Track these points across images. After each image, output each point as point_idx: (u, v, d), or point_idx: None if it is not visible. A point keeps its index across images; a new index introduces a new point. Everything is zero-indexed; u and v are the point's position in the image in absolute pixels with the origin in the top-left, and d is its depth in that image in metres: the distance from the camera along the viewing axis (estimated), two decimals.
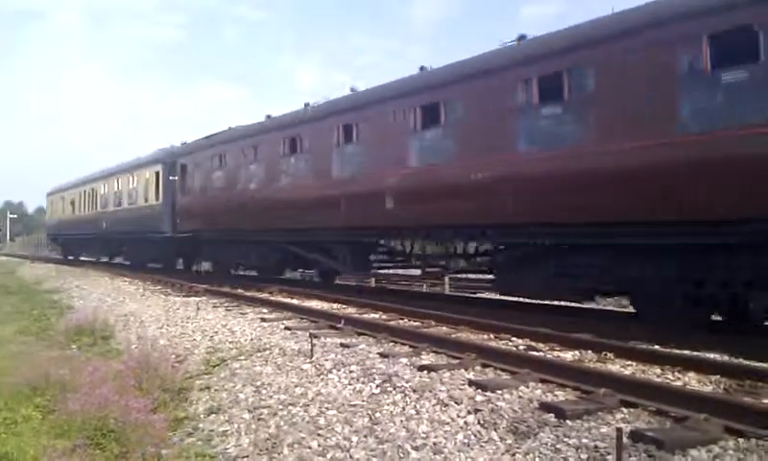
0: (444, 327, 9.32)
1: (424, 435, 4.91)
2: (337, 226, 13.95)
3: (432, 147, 11.98)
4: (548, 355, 7.25)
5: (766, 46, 7.26)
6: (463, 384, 6.00)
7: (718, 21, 7.67)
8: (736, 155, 7.44)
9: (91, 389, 6.20)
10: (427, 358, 7.28)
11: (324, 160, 14.52)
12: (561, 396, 5.59)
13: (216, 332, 9.90)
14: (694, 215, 7.83)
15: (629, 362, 6.80)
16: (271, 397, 6.36)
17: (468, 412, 5.22)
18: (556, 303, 12.42)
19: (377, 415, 5.44)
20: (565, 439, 4.51)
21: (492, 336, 8.55)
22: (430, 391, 5.78)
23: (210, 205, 19.60)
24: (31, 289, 21.24)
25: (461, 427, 4.97)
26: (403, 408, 5.51)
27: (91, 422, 5.58)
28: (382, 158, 12.75)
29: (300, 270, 19.67)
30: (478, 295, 15.31)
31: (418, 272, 14.95)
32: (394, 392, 5.93)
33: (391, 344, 8.18)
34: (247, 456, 5.17)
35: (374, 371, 6.65)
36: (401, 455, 4.66)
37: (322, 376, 6.74)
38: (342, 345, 8.14)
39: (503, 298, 14.47)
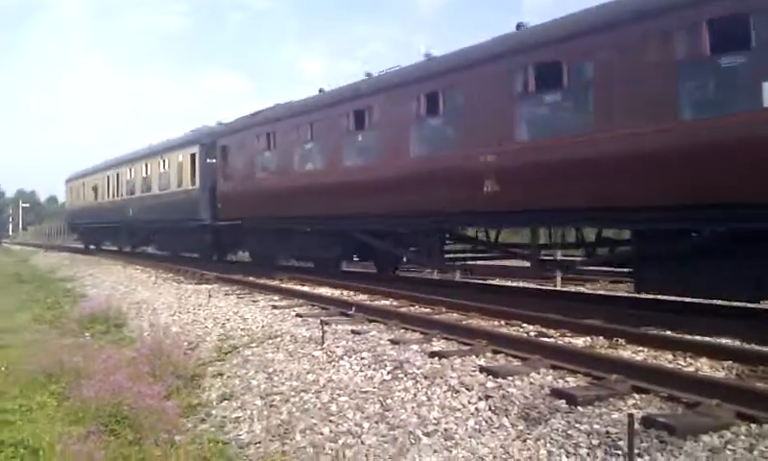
0: (455, 314, 9.32)
1: (435, 421, 4.93)
2: (417, 210, 12.00)
3: (551, 115, 10.04)
4: (559, 342, 7.25)
5: None
6: (474, 371, 6.00)
7: None
8: None
9: (105, 376, 6.28)
10: (438, 345, 7.29)
11: (401, 136, 12.46)
12: (572, 382, 5.58)
13: (228, 320, 9.97)
14: None
15: (640, 348, 6.77)
16: (283, 383, 6.40)
17: (479, 398, 5.23)
18: (565, 288, 12.42)
19: (388, 401, 5.46)
20: (577, 425, 4.51)
21: (502, 322, 8.54)
22: (441, 377, 5.80)
23: (258, 189, 17.51)
24: (44, 278, 21.45)
25: (472, 414, 4.98)
26: (414, 395, 5.53)
27: (105, 408, 5.65)
28: (478, 132, 10.72)
29: (356, 259, 17.35)
30: (488, 281, 15.28)
31: (503, 262, 13.34)
32: (405, 378, 5.94)
33: (402, 330, 8.19)
34: (259, 442, 5.22)
35: (385, 357, 6.67)
36: (413, 441, 4.68)
37: (333, 363, 6.78)
38: (353, 332, 8.17)
39: (513, 284, 14.49)
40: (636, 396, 5.10)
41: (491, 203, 10.41)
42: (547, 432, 4.48)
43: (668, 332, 7.36)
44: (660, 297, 9.76)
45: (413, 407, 5.26)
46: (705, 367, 6.01)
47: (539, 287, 13.77)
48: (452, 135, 11.69)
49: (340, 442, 4.89)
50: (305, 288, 13.16)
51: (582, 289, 13.53)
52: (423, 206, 11.80)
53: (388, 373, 6.18)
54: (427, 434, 4.74)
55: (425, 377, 5.86)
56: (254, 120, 18.34)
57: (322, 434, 5.07)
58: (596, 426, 4.46)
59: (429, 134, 12.38)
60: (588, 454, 4.13)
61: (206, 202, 20.40)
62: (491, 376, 5.75)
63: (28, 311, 13.07)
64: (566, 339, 7.44)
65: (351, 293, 12.20)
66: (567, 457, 4.15)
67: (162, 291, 14.36)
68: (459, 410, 5.07)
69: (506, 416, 4.85)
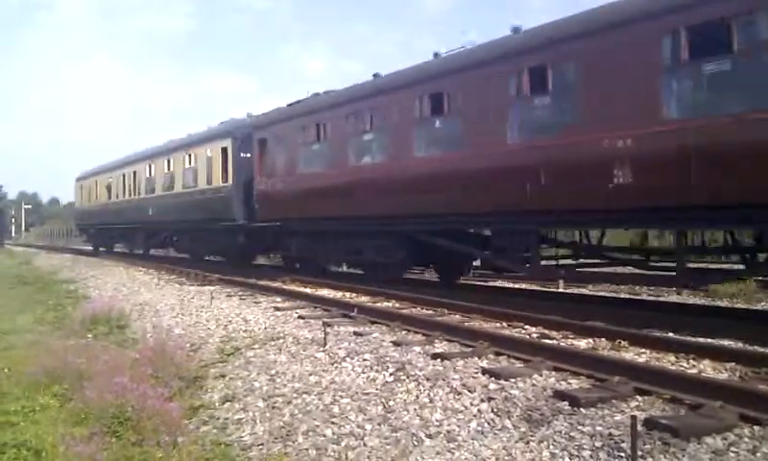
0: (457, 316, 9.33)
1: (438, 423, 4.93)
2: (515, 210, 10.25)
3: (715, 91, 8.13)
4: (562, 343, 7.24)
5: None
6: (476, 372, 6.00)
7: None
8: None
9: (108, 378, 6.29)
10: (440, 346, 7.29)
11: (493, 122, 10.58)
12: (574, 384, 5.58)
13: (230, 321, 9.97)
14: None
15: (643, 350, 6.77)
16: (285, 385, 6.40)
17: (482, 400, 5.23)
18: (567, 291, 12.37)
19: (391, 403, 5.47)
20: (579, 427, 4.51)
21: (504, 324, 8.54)
22: (443, 379, 5.79)
23: (304, 187, 15.57)
24: (47, 279, 21.45)
25: (474, 415, 4.98)
26: (417, 396, 5.53)
27: (108, 410, 5.66)
28: (604, 112, 8.87)
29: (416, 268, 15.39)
30: (490, 283, 15.28)
31: (606, 268, 11.22)
32: (407, 380, 5.94)
33: (404, 332, 8.19)
34: (262, 444, 5.22)
35: (388, 359, 6.67)
36: (415, 443, 4.68)
37: (335, 365, 6.78)
38: (355, 333, 8.17)
39: (515, 286, 14.51)
40: (639, 397, 5.10)
41: (623, 197, 8.62)
42: (550, 434, 4.48)
43: (671, 334, 7.36)
44: (661, 298, 9.74)
45: (415, 409, 5.26)
46: (707, 369, 6.01)
47: (541, 289, 13.79)
48: (568, 117, 9.66)
49: (342, 444, 4.89)
50: (307, 290, 13.17)
51: (584, 291, 13.52)
52: (521, 204, 10.02)
53: (390, 374, 6.18)
54: (430, 436, 4.74)
55: (428, 379, 5.86)
56: (298, 109, 16.40)
57: (324, 436, 5.07)
58: (599, 428, 4.46)
59: (529, 117, 10.35)
60: (590, 456, 4.13)
61: (240, 200, 18.44)
62: (493, 378, 5.75)
63: (31, 313, 13.08)
64: (569, 341, 7.43)
65: (353, 295, 12.21)
66: (570, 459, 4.15)
67: (165, 293, 14.38)
68: (461, 412, 5.07)
69: (508, 418, 4.85)
